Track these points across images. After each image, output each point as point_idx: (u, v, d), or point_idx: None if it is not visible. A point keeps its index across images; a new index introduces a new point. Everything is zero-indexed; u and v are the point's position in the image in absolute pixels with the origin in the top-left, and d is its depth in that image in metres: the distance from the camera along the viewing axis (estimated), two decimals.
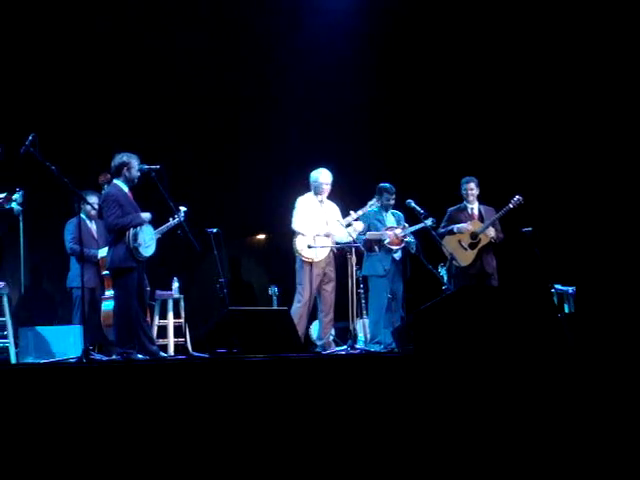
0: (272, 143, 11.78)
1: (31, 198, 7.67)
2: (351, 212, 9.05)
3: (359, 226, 9.08)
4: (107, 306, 8.53)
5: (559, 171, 11.63)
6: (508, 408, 6.04)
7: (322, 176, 9.17)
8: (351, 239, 8.84)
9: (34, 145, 7.18)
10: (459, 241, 9.40)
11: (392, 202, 9.52)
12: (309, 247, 8.90)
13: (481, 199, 9.63)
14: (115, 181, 7.95)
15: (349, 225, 9.02)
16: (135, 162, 7.94)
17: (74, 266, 9.06)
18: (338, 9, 11.66)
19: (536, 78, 11.73)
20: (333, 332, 10.81)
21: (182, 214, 8.29)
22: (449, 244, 9.34)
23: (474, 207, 9.56)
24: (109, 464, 5.16)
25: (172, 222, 8.45)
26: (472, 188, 9.52)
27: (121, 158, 7.94)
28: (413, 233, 9.39)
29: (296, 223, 9.08)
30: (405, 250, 9.35)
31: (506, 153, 11.66)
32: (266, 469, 5.45)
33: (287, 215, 9.24)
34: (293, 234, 9.07)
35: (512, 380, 6.14)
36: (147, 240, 7.86)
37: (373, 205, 9.16)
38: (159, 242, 8.28)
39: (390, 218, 9.54)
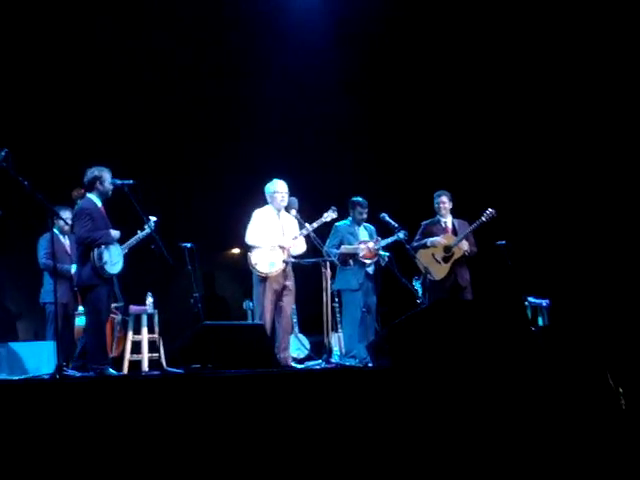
0: (247, 157, 11.78)
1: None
2: (306, 224, 8.96)
3: (301, 244, 9.01)
4: (80, 321, 8.51)
5: (532, 185, 11.70)
6: (483, 421, 6.06)
7: (277, 185, 9.04)
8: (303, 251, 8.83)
9: (6, 160, 7.13)
10: (433, 254, 9.43)
11: (365, 216, 9.52)
12: (284, 262, 8.84)
13: (454, 213, 9.66)
14: (88, 195, 7.97)
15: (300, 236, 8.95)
16: (107, 175, 7.97)
17: (47, 281, 9.00)
18: (313, 12, 11.70)
19: (508, 93, 11.80)
20: (308, 346, 10.84)
21: (152, 224, 8.31)
22: (423, 258, 9.37)
23: (447, 221, 9.59)
24: None
25: (142, 233, 8.49)
26: (444, 202, 9.56)
27: (93, 172, 7.96)
28: (387, 247, 9.40)
29: (249, 236, 8.90)
30: (377, 264, 9.36)
31: (480, 167, 11.73)
32: None
33: None
34: (247, 249, 8.96)
35: (487, 393, 6.16)
36: (114, 258, 7.88)
37: (328, 217, 9.08)
38: (133, 257, 8.25)
39: (363, 232, 9.54)
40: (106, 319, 8.00)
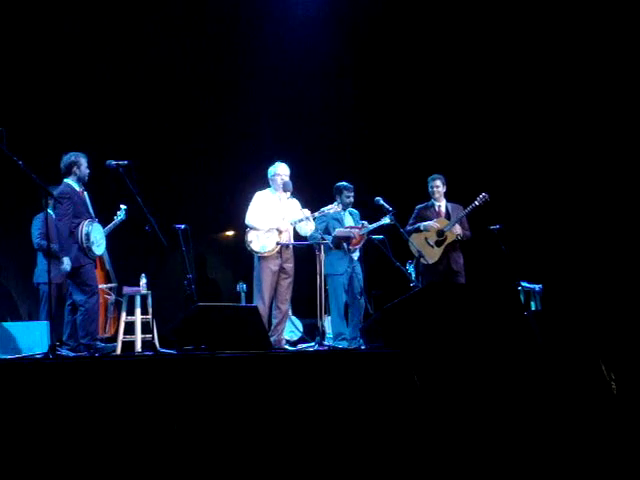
0: (242, 139, 11.76)
1: None
2: (307, 212, 8.99)
3: (309, 225, 9.04)
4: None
5: (526, 169, 11.71)
6: (476, 404, 6.08)
7: (279, 168, 9.10)
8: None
9: (1, 140, 7.13)
10: (426, 238, 9.45)
11: (352, 199, 9.54)
12: (277, 244, 8.88)
13: (448, 197, 9.67)
14: (66, 180, 8.20)
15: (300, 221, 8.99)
16: (84, 160, 8.27)
17: (41, 262, 9.01)
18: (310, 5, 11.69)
19: (503, 76, 11.80)
20: (301, 328, 10.86)
21: (123, 212, 8.94)
22: (416, 241, 9.39)
23: (441, 205, 9.60)
24: (75, 460, 5.14)
25: (116, 220, 9.04)
26: (438, 185, 9.57)
27: (70, 157, 8.23)
28: (379, 230, 9.40)
29: (249, 217, 9.01)
30: (364, 246, 9.38)
31: (473, 151, 11.73)
32: (234, 465, 5.45)
33: None
34: (246, 228, 9.06)
35: (480, 376, 6.18)
36: (98, 239, 8.22)
37: (332, 209, 9.10)
38: (126, 239, 8.34)
39: (348, 217, 9.56)
40: (97, 294, 8.26)
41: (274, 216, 8.96)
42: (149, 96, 11.19)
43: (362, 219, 9.49)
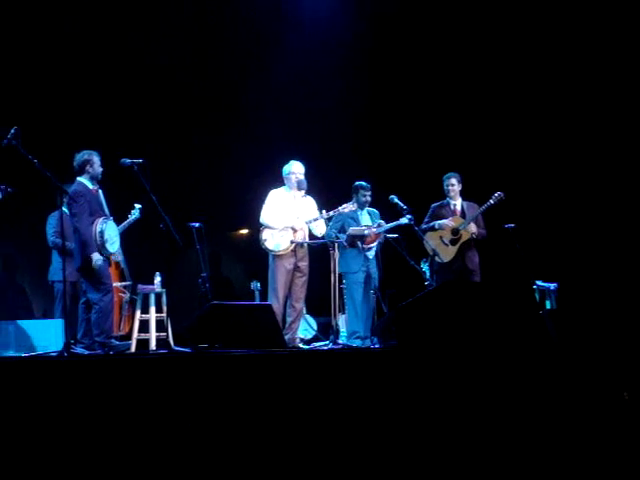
0: (256, 138, 11.77)
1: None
2: (323, 211, 9.02)
3: (321, 225, 9.05)
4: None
5: (541, 168, 11.67)
6: (491, 404, 6.06)
7: (294, 167, 9.12)
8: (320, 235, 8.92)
9: (17, 138, 7.18)
10: (441, 237, 9.42)
11: (368, 199, 9.53)
12: (291, 242, 8.89)
13: (464, 195, 9.64)
14: (79, 179, 8.20)
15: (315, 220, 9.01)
16: (96, 159, 8.25)
17: (56, 260, 9.03)
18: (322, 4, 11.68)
19: (517, 76, 11.76)
20: (315, 327, 10.85)
21: (137, 211, 8.97)
22: (431, 240, 9.37)
23: (457, 203, 9.57)
24: (89, 458, 5.15)
25: (130, 219, 9.04)
26: (453, 184, 9.54)
27: (83, 156, 8.22)
28: (395, 229, 9.39)
29: (263, 215, 9.04)
30: (380, 247, 9.39)
31: (489, 150, 11.70)
32: (247, 462, 5.45)
33: None
34: (260, 226, 9.06)
35: (495, 376, 6.16)
36: (112, 236, 8.21)
37: (347, 208, 9.09)
38: (141, 237, 8.36)
39: (365, 216, 9.55)
40: (111, 292, 8.28)
41: (289, 214, 8.97)
42: (163, 93, 11.20)
43: (382, 218, 9.47)
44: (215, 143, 11.78)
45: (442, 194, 9.65)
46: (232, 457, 5.46)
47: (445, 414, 5.99)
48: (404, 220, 9.22)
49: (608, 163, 11.42)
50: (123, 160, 7.90)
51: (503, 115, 11.85)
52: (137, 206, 8.97)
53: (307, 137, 11.68)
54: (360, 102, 12.05)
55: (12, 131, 7.17)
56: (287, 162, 9.22)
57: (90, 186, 8.21)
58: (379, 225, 9.38)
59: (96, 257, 7.97)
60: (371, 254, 9.41)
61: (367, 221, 9.52)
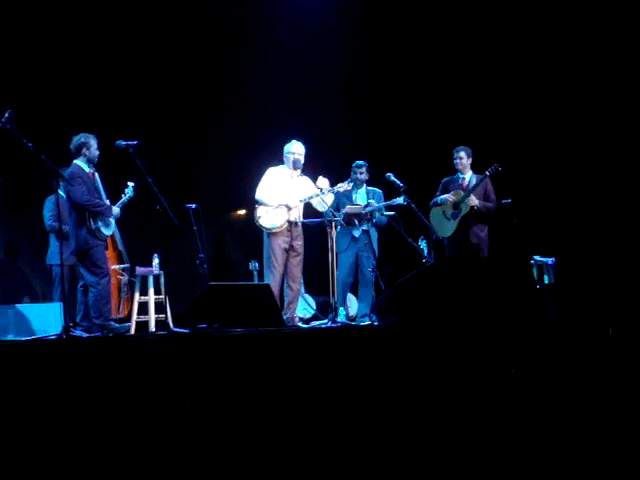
0: (254, 118, 11.74)
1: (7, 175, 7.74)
2: (321, 179, 9.02)
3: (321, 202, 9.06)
4: None
5: (537, 141, 11.64)
6: (489, 379, 6.08)
7: (293, 146, 9.11)
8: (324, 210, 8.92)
9: (11, 122, 7.16)
10: (443, 212, 9.36)
11: (359, 176, 9.56)
12: (287, 221, 8.90)
13: (475, 169, 9.53)
14: (76, 161, 8.21)
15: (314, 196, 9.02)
16: (93, 141, 8.27)
17: (54, 243, 9.02)
18: None
19: (515, 50, 11.71)
20: (314, 306, 10.86)
21: (130, 189, 8.80)
22: (435, 215, 9.34)
23: (466, 177, 9.46)
24: (89, 440, 5.17)
25: (124, 198, 8.86)
26: (462, 157, 9.42)
27: (79, 139, 8.23)
28: (393, 207, 9.39)
29: (258, 192, 9.03)
30: (374, 226, 9.46)
31: (485, 124, 11.66)
32: (247, 443, 5.47)
33: None
34: (256, 203, 9.07)
35: (493, 351, 6.18)
36: (107, 219, 8.27)
37: (342, 187, 9.09)
38: (138, 219, 8.34)
39: (362, 195, 9.58)
40: (108, 275, 8.34)
41: (284, 192, 8.96)
42: (158, 75, 11.15)
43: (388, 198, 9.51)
44: (212, 123, 11.74)
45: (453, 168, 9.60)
46: (232, 437, 5.48)
47: (444, 390, 6.01)
48: (399, 200, 9.24)
49: (605, 136, 11.39)
50: (118, 142, 7.88)
51: (500, 89, 11.79)
52: (130, 184, 8.85)
53: (307, 116, 11.64)
54: (361, 79, 11.99)
55: (6, 115, 7.15)
56: (285, 142, 9.21)
57: (87, 169, 8.22)
58: (368, 205, 9.39)
59: (115, 210, 8.27)
60: (357, 233, 9.42)
61: (363, 200, 9.52)
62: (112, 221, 8.38)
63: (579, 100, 11.56)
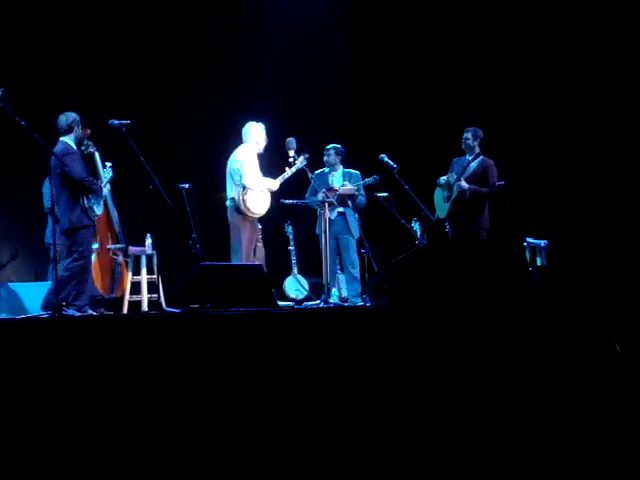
0: (244, 97, 11.70)
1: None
2: (286, 169, 9.08)
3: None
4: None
5: (530, 124, 11.63)
6: (482, 360, 6.09)
7: (263, 128, 9.15)
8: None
9: (3, 100, 7.13)
10: (442, 193, 9.32)
11: (331, 159, 9.60)
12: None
13: (484, 151, 9.45)
14: (65, 138, 8.01)
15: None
16: (79, 121, 8.08)
17: (51, 223, 9.01)
18: None
19: (514, 30, 11.69)
20: (307, 287, 10.87)
21: (109, 170, 8.50)
22: (436, 195, 9.28)
23: (471, 159, 9.37)
24: (83, 418, 5.18)
25: (105, 181, 8.49)
26: (468, 138, 9.27)
27: (70, 116, 8.05)
28: (385, 188, 9.42)
29: (250, 178, 8.98)
30: (353, 207, 9.46)
31: (479, 107, 11.63)
32: (239, 424, 5.48)
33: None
34: (242, 188, 9.00)
35: (485, 332, 6.19)
36: (99, 198, 8.14)
37: (299, 164, 9.03)
38: (131, 199, 8.29)
39: (337, 178, 9.59)
40: (84, 259, 8.04)
41: (264, 177, 9.01)
42: (150, 53, 11.10)
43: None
44: (206, 102, 11.70)
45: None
46: (224, 416, 5.49)
47: (436, 371, 6.02)
48: (369, 180, 9.35)
49: (600, 118, 11.39)
50: (111, 121, 7.87)
51: (497, 74, 11.76)
52: (108, 164, 8.58)
53: (302, 96, 11.62)
54: (346, 55, 11.97)
55: None
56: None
57: (74, 147, 8.08)
58: (343, 186, 9.40)
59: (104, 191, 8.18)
60: (333, 215, 9.37)
61: (339, 182, 9.55)
62: (101, 202, 8.26)
63: (575, 82, 11.54)
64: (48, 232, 9.12)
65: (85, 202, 7.94)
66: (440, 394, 5.93)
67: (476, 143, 9.29)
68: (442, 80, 11.89)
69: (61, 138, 8.03)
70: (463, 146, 9.32)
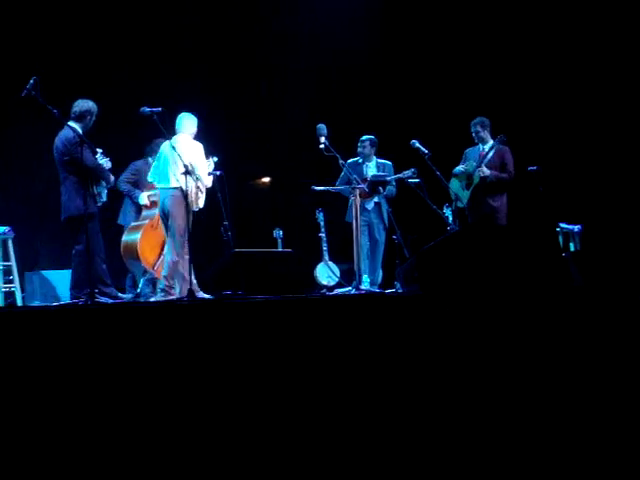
0: (280, 86, 11.73)
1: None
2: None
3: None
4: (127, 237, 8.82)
5: (564, 108, 11.53)
6: (514, 347, 6.06)
7: (195, 120, 8.70)
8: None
9: (35, 88, 7.19)
10: (460, 182, 9.39)
11: (365, 150, 9.75)
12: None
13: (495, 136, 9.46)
14: (73, 124, 7.88)
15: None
16: (95, 113, 8.01)
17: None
18: None
19: (541, 19, 11.59)
20: (338, 273, 10.88)
21: (107, 162, 8.19)
22: (453, 185, 9.36)
23: (486, 148, 9.43)
24: (115, 406, 5.21)
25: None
26: (477, 131, 9.44)
27: (87, 104, 7.99)
28: (418, 175, 9.45)
29: (208, 179, 8.55)
30: (383, 198, 9.60)
31: (512, 92, 11.55)
32: (269, 409, 5.49)
33: (290, 160, 9.21)
34: (196, 180, 8.27)
35: (516, 318, 6.15)
36: (105, 185, 8.09)
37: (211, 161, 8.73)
38: None
39: (371, 169, 9.72)
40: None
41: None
42: (185, 41, 11.14)
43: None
44: (238, 90, 11.72)
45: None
46: (254, 403, 5.50)
47: (468, 358, 6.00)
48: (407, 173, 9.49)
49: (635, 101, 11.27)
50: (143, 109, 7.90)
51: (524, 56, 11.67)
52: (99, 150, 8.24)
53: (328, 88, 11.62)
54: (384, 50, 11.95)
55: (31, 81, 7.17)
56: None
57: (81, 134, 7.89)
58: (365, 180, 9.50)
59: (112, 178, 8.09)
60: (370, 205, 9.58)
61: (373, 173, 9.72)
62: (105, 190, 8.12)
63: (611, 66, 11.42)
64: (121, 214, 9.20)
65: (94, 189, 7.89)
66: (470, 381, 5.90)
67: (487, 132, 9.39)
68: (468, 72, 11.83)
69: (70, 122, 7.87)
70: (476, 139, 9.46)
